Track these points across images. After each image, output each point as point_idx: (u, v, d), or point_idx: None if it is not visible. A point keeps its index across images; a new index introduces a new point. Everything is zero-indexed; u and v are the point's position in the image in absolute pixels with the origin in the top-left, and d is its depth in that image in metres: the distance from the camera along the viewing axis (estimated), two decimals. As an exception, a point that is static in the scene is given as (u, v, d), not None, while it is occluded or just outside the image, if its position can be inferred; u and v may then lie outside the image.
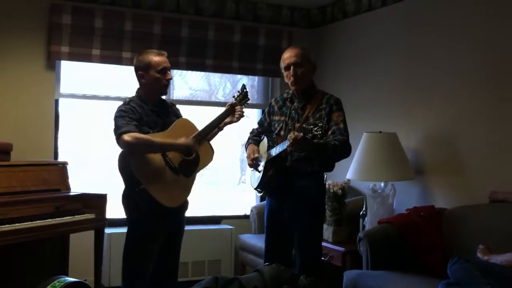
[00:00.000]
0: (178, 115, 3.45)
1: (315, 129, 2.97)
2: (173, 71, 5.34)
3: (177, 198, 3.22)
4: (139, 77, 3.30)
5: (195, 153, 3.27)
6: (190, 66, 5.25)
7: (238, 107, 3.47)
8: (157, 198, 3.08)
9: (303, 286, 3.09)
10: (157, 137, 3.15)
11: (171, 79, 3.33)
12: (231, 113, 3.45)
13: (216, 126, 3.41)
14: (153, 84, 3.27)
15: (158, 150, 3.17)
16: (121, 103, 3.27)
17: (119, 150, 3.20)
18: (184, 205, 3.37)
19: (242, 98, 3.57)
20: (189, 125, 3.39)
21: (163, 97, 3.46)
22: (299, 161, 3.36)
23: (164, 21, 5.08)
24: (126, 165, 3.11)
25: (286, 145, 3.15)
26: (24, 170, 3.93)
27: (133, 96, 3.31)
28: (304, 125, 3.11)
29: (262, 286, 3.09)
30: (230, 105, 3.48)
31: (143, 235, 3.22)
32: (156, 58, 3.27)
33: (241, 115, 3.47)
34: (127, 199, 3.23)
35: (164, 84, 3.29)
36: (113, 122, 3.17)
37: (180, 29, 5.14)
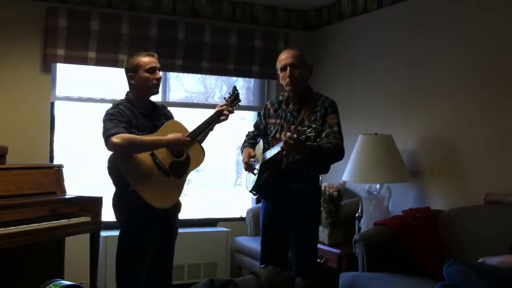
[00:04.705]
0: (168, 117, 3.45)
1: (308, 130, 2.97)
2: (169, 73, 5.36)
3: (167, 200, 3.22)
4: (129, 79, 3.31)
5: (186, 152, 3.26)
6: (186, 68, 5.26)
7: (227, 108, 3.48)
8: (147, 199, 3.08)
9: (299, 289, 3.10)
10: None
11: (160, 78, 3.33)
12: (221, 114, 3.46)
13: (206, 128, 3.41)
14: (143, 85, 3.28)
15: (148, 149, 3.16)
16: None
17: (110, 153, 3.20)
18: (177, 207, 3.37)
19: (233, 99, 3.58)
20: (179, 126, 3.39)
21: (156, 100, 3.47)
22: (295, 163, 3.35)
23: (160, 23, 5.08)
24: (116, 168, 3.11)
25: (281, 146, 3.14)
26: (20, 173, 3.92)
27: (121, 99, 3.32)
28: (298, 128, 3.11)
29: (258, 288, 3.08)
30: (220, 107, 3.49)
31: (135, 237, 3.22)
32: (144, 58, 3.29)
33: (228, 115, 3.47)
34: (118, 201, 3.23)
35: (154, 84, 3.29)
36: (101, 126, 3.17)
37: (176, 32, 5.14)
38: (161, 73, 3.35)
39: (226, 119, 3.48)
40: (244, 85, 5.76)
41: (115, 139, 3.04)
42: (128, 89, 3.37)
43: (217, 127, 3.52)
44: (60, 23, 4.73)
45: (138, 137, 3.13)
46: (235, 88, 3.62)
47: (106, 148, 3.16)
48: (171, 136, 3.19)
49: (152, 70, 3.28)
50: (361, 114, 5.04)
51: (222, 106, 3.49)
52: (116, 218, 3.31)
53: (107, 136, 3.08)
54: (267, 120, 3.62)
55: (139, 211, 3.13)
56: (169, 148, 3.21)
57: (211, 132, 3.51)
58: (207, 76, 5.55)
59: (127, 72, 3.32)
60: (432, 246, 3.76)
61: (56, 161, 4.86)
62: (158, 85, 3.32)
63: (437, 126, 4.32)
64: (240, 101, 3.61)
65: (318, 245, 3.62)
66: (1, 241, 3.38)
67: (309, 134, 2.98)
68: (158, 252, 3.30)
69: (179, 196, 3.31)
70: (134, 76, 3.28)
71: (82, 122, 5.15)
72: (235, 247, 5.14)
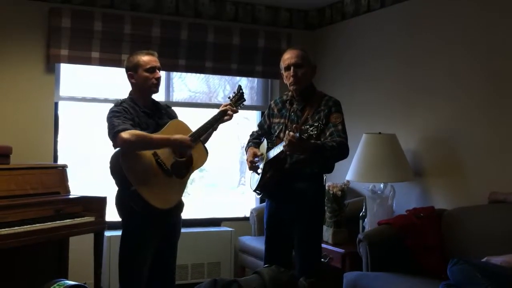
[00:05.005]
0: (172, 116, 3.45)
1: (310, 129, 2.98)
2: (173, 73, 5.36)
3: (169, 200, 3.21)
4: (129, 78, 3.31)
5: (189, 152, 3.26)
6: (189, 68, 5.26)
7: (231, 108, 3.48)
8: (149, 200, 3.07)
9: (303, 288, 3.09)
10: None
11: (159, 77, 3.33)
12: (225, 114, 3.46)
13: (210, 128, 3.42)
14: (143, 84, 3.28)
15: (156, 147, 3.16)
16: None
17: (113, 152, 3.20)
18: (179, 207, 3.37)
19: (238, 99, 3.58)
20: (183, 126, 3.39)
21: (158, 99, 3.47)
22: (298, 163, 3.35)
23: (163, 23, 5.08)
24: (119, 167, 3.10)
25: (283, 145, 3.14)
26: (24, 173, 3.93)
27: (124, 98, 3.32)
28: (302, 127, 3.10)
29: (262, 288, 3.08)
30: (224, 106, 3.50)
31: (135, 237, 3.23)
32: (144, 57, 3.29)
33: (232, 115, 3.48)
34: (120, 201, 3.24)
35: (153, 83, 3.30)
36: (106, 124, 3.18)
37: (179, 32, 5.14)
38: (161, 73, 3.35)
39: (230, 119, 3.48)
40: (247, 85, 5.77)
41: (124, 134, 3.04)
42: (130, 89, 3.37)
43: (221, 126, 3.52)
44: (63, 24, 4.73)
45: (147, 134, 3.14)
46: (240, 88, 3.62)
47: (112, 146, 3.16)
48: (178, 136, 3.19)
49: (152, 69, 3.29)
50: (363, 114, 5.04)
51: (226, 105, 3.50)
52: (119, 216, 3.31)
53: (115, 132, 3.07)
54: (271, 120, 3.62)
55: (140, 211, 3.13)
56: (175, 148, 3.21)
57: (214, 132, 3.52)
58: (211, 76, 5.55)
59: (127, 71, 3.32)
60: (436, 245, 3.76)
61: (60, 161, 4.87)
62: (157, 85, 3.33)
63: (439, 126, 4.31)
64: (244, 100, 3.61)
65: (322, 244, 3.62)
66: (5, 241, 3.38)
67: (311, 133, 2.98)
68: (160, 252, 3.30)
69: (181, 196, 3.31)
70: (134, 75, 3.29)
71: (86, 122, 5.16)
72: (239, 247, 5.14)
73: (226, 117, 3.47)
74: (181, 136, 3.20)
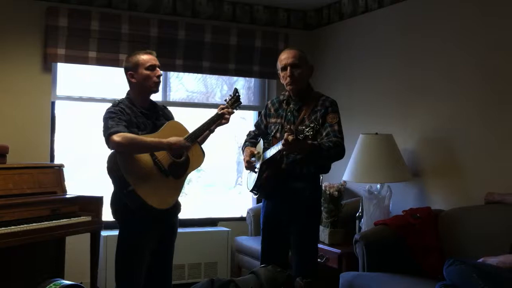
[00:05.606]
0: (169, 117, 3.45)
1: (306, 129, 2.98)
2: (170, 73, 5.36)
3: (166, 200, 3.21)
4: (129, 77, 3.30)
5: (186, 153, 3.26)
6: (186, 68, 5.26)
7: (228, 110, 3.48)
8: (146, 200, 3.07)
9: (299, 288, 3.10)
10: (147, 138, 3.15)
11: (161, 75, 3.33)
12: (222, 116, 3.46)
13: (207, 129, 3.42)
14: (144, 82, 3.27)
15: (149, 150, 3.16)
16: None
17: (110, 152, 3.19)
18: (176, 207, 3.37)
19: (234, 101, 3.58)
20: (180, 127, 3.39)
21: (155, 99, 3.46)
22: (295, 163, 3.36)
23: (160, 23, 5.08)
24: (115, 167, 3.09)
25: (280, 147, 3.14)
26: (20, 173, 3.93)
27: (122, 98, 3.31)
28: (298, 127, 3.11)
29: (258, 288, 3.09)
30: (221, 109, 3.49)
31: (133, 237, 3.22)
32: (144, 56, 3.29)
33: (229, 119, 3.49)
34: (116, 201, 3.23)
35: (154, 81, 3.29)
36: (102, 124, 3.17)
37: (176, 32, 5.15)
38: (161, 71, 3.36)
39: (227, 122, 3.49)
40: (244, 85, 5.77)
41: (116, 137, 3.04)
42: (129, 89, 3.37)
43: (218, 127, 3.52)
44: (61, 23, 4.73)
45: (140, 137, 3.13)
46: (236, 91, 3.62)
47: (106, 147, 3.16)
48: (172, 139, 3.18)
49: (152, 67, 3.28)
50: (361, 114, 5.04)
51: (223, 108, 3.49)
52: (114, 217, 3.30)
53: (108, 134, 3.07)
54: (267, 120, 3.63)
55: (137, 211, 3.13)
56: (169, 150, 3.21)
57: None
58: (208, 76, 5.55)
59: (127, 70, 3.31)
60: (432, 246, 3.76)
61: (56, 161, 4.86)
62: (158, 83, 3.32)
63: (436, 126, 4.31)
64: (241, 103, 3.62)
65: (318, 244, 3.62)
66: (2, 240, 3.39)
67: (307, 133, 2.98)
68: (157, 252, 3.30)
69: (177, 197, 3.30)
70: (134, 74, 3.28)
71: (82, 122, 5.15)
72: (235, 247, 5.14)
73: (223, 121, 3.46)
74: (176, 138, 3.19)
